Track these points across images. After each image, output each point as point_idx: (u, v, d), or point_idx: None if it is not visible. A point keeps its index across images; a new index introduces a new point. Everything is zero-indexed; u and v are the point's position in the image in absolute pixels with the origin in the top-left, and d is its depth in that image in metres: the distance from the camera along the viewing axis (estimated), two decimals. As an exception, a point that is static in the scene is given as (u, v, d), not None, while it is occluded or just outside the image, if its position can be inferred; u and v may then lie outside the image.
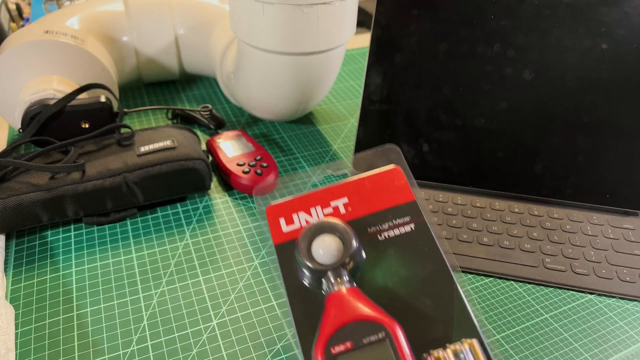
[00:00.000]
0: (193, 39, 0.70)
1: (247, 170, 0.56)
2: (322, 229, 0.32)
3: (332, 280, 0.30)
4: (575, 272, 0.48)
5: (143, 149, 0.53)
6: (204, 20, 0.69)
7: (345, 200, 0.34)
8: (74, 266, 0.47)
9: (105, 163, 0.51)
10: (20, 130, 0.54)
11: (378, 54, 0.55)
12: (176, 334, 0.42)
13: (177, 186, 0.53)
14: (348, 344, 0.27)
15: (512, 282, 0.48)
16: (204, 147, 0.63)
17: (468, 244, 0.50)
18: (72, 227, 0.51)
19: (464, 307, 0.29)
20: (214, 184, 0.58)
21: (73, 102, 0.54)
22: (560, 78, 0.52)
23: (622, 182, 0.54)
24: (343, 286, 0.30)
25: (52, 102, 0.53)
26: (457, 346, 0.28)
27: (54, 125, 0.54)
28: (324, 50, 0.58)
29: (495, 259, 0.49)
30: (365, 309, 0.29)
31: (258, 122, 0.70)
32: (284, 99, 0.63)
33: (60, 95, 0.54)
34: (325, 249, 0.31)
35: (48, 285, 0.45)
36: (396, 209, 0.33)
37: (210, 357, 0.40)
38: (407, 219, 0.33)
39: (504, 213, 0.54)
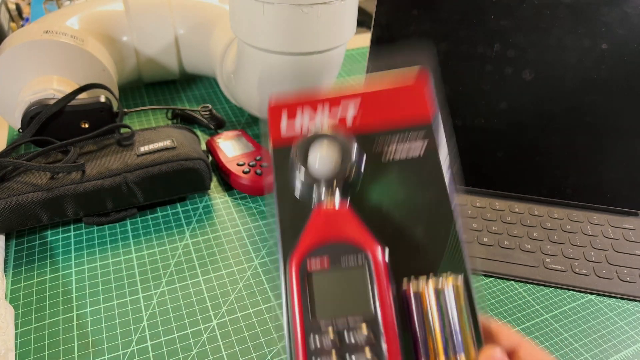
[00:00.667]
0: (193, 39, 0.70)
1: (247, 170, 0.56)
2: (322, 136, 0.29)
3: (323, 192, 0.28)
4: (575, 272, 0.48)
5: (143, 149, 0.53)
6: (204, 20, 0.69)
7: (354, 111, 0.30)
8: (73, 266, 0.47)
9: (105, 163, 0.51)
10: (20, 130, 0.54)
11: (378, 54, 0.55)
12: (176, 334, 0.42)
13: (177, 186, 0.53)
14: (325, 263, 0.26)
15: (512, 282, 0.48)
16: (203, 147, 0.63)
17: (468, 244, 0.50)
18: (71, 227, 0.51)
19: (457, 244, 0.28)
20: (214, 184, 0.58)
21: (73, 102, 0.54)
22: (560, 78, 0.52)
23: (622, 182, 0.54)
24: (333, 201, 0.28)
25: (52, 102, 0.53)
26: (440, 284, 0.26)
27: (53, 125, 0.54)
28: (324, 50, 0.58)
29: (496, 259, 0.49)
30: (350, 230, 0.27)
31: (258, 122, 0.70)
32: (284, 99, 0.63)
33: (60, 95, 0.54)
34: (322, 157, 0.29)
35: (48, 285, 0.45)
36: (409, 130, 0.30)
37: (210, 358, 0.40)
38: (418, 143, 0.29)
39: (504, 213, 0.54)
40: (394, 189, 0.29)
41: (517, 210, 0.54)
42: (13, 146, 0.51)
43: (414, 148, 0.30)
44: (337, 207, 0.28)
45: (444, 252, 0.27)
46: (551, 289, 0.48)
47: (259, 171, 0.56)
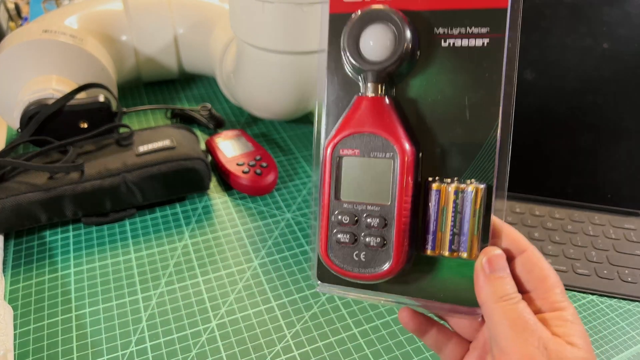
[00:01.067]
0: (192, 38, 0.70)
1: (247, 170, 0.56)
2: (376, 19, 0.28)
3: (370, 82, 0.28)
4: (576, 273, 0.48)
5: (142, 148, 0.53)
6: (204, 20, 0.69)
7: None
8: (72, 267, 0.47)
9: (104, 163, 0.51)
10: (19, 130, 0.54)
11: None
12: (175, 335, 0.41)
13: (176, 186, 0.53)
14: (356, 151, 0.28)
15: (513, 282, 0.48)
16: (203, 146, 0.62)
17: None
18: (70, 227, 0.51)
19: (492, 153, 0.27)
20: (213, 184, 0.58)
21: (72, 102, 0.54)
22: (561, 78, 0.52)
23: (624, 182, 0.53)
24: (378, 93, 0.28)
25: (50, 101, 0.53)
26: (462, 185, 0.27)
27: (52, 125, 0.54)
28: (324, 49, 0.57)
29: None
30: (385, 124, 0.28)
31: (258, 121, 0.70)
32: (283, 98, 0.63)
33: (59, 95, 0.54)
34: (372, 47, 0.27)
35: (47, 285, 0.45)
36: (478, 13, 0.27)
37: (210, 358, 0.40)
38: (485, 30, 0.27)
39: (505, 213, 0.54)
40: (445, 82, 0.28)
41: (517, 210, 0.54)
42: (12, 146, 0.51)
43: (480, 36, 0.27)
44: (379, 99, 0.28)
45: (475, 157, 0.28)
46: (552, 289, 0.47)
47: (258, 171, 0.56)
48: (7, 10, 0.81)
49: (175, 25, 0.69)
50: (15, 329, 0.41)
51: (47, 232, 0.51)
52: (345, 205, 0.29)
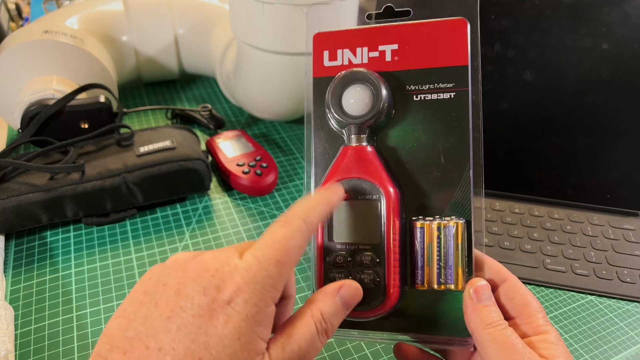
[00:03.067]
0: (193, 38, 0.70)
1: (247, 170, 0.56)
2: (356, 80, 0.31)
3: (353, 134, 0.31)
4: (575, 273, 0.48)
5: (142, 149, 0.53)
6: (204, 20, 0.69)
7: (395, 46, 0.32)
8: (73, 267, 0.47)
9: (105, 163, 0.51)
10: (20, 131, 0.54)
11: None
12: (176, 335, 0.42)
13: (177, 187, 0.53)
14: (346, 195, 0.30)
15: (512, 282, 0.48)
16: (203, 147, 0.62)
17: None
18: (71, 227, 0.51)
19: (467, 189, 0.30)
20: (214, 184, 0.58)
21: (72, 102, 0.54)
22: (560, 78, 0.52)
23: (623, 182, 0.53)
24: (361, 143, 0.31)
25: (51, 102, 0.53)
26: (443, 221, 0.30)
27: (53, 126, 0.54)
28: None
29: (496, 260, 0.49)
30: (370, 170, 0.30)
31: (258, 122, 0.70)
32: (283, 98, 0.63)
33: (59, 95, 0.54)
34: (353, 104, 0.31)
35: (47, 286, 0.45)
36: (444, 71, 0.31)
37: (210, 358, 0.40)
38: (450, 84, 0.31)
39: (504, 214, 0.54)
40: (419, 131, 0.31)
41: (517, 210, 0.54)
42: (12, 146, 0.51)
43: (446, 90, 0.31)
44: (362, 148, 0.31)
45: (453, 195, 0.30)
46: (551, 289, 0.47)
47: (258, 171, 0.56)
48: (8, 10, 0.81)
49: (176, 26, 0.69)
50: (16, 329, 0.41)
51: (48, 233, 0.51)
52: (338, 247, 0.31)
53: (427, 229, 0.30)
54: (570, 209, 0.55)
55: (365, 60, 0.32)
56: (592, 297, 0.47)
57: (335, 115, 0.31)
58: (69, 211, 0.49)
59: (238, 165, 0.57)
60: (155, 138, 0.55)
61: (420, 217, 0.31)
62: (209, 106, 0.68)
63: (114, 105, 0.61)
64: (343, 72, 0.32)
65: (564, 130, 0.53)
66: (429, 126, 0.31)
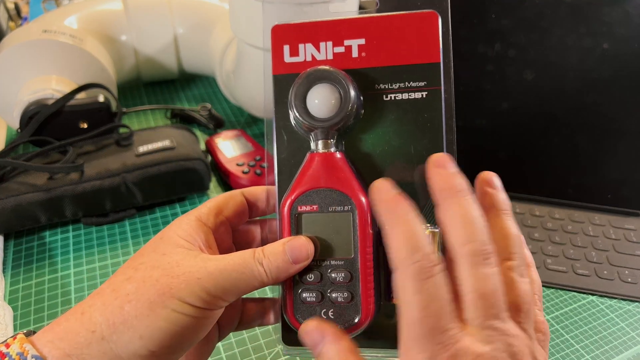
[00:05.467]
0: (192, 38, 0.70)
1: (247, 170, 0.56)
2: (322, 77, 0.29)
3: (320, 139, 0.29)
4: (576, 273, 0.48)
5: (142, 149, 0.53)
6: (204, 20, 0.69)
7: (362, 41, 0.29)
8: (72, 267, 0.47)
9: (104, 163, 0.51)
10: (19, 130, 0.54)
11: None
12: (175, 336, 0.41)
13: (176, 186, 0.53)
14: (315, 207, 0.28)
15: (513, 283, 0.48)
16: (203, 147, 0.62)
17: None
18: (70, 227, 0.51)
19: None
20: (213, 184, 0.58)
21: (72, 102, 0.54)
22: (561, 78, 0.52)
23: (624, 182, 0.53)
24: (329, 149, 0.29)
25: (50, 101, 0.53)
26: None
27: (52, 125, 0.54)
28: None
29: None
30: (340, 178, 0.28)
31: (258, 121, 0.70)
32: (283, 98, 0.62)
33: (58, 95, 0.54)
34: (319, 106, 0.28)
35: (46, 286, 0.45)
36: (414, 68, 0.29)
37: (210, 359, 0.40)
38: (422, 83, 0.29)
39: (505, 213, 0.54)
40: (390, 133, 0.29)
41: (517, 211, 0.54)
42: (12, 146, 0.51)
43: (418, 89, 0.29)
44: (331, 154, 0.28)
45: (426, 203, 0.28)
46: (552, 289, 0.47)
47: (258, 171, 0.56)
48: (7, 10, 0.81)
49: (175, 25, 0.69)
50: (15, 329, 0.41)
51: (47, 233, 0.50)
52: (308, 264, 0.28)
53: None
54: (571, 209, 0.55)
55: (330, 57, 0.29)
56: (593, 297, 0.47)
57: (300, 118, 0.29)
58: (68, 211, 0.49)
59: (238, 165, 0.57)
60: (154, 138, 0.55)
61: None
62: (209, 106, 0.68)
63: (113, 105, 0.60)
64: (307, 70, 0.29)
65: (564, 130, 0.53)
66: (400, 128, 0.29)
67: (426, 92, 0.29)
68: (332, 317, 0.28)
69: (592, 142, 0.53)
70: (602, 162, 0.53)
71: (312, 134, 0.29)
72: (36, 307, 0.43)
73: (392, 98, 0.29)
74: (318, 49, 0.30)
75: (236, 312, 0.31)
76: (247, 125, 0.69)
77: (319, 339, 0.25)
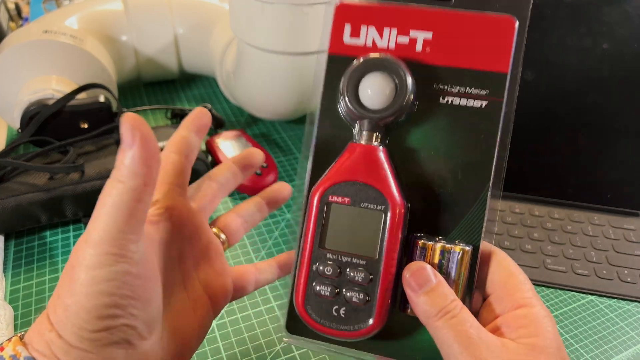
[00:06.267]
0: (193, 38, 0.70)
1: (247, 170, 0.56)
2: (380, 66, 0.27)
3: (366, 130, 0.27)
4: (575, 273, 0.48)
5: (142, 149, 0.53)
6: (204, 20, 0.69)
7: (429, 35, 0.27)
8: (73, 267, 0.47)
9: (105, 163, 0.51)
10: (19, 130, 0.54)
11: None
12: (175, 335, 0.42)
13: (177, 186, 0.53)
14: (347, 200, 0.27)
15: (513, 282, 0.48)
16: (203, 147, 0.62)
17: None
18: (71, 227, 0.51)
19: (481, 215, 0.27)
20: (214, 184, 0.58)
21: (72, 102, 0.54)
22: (561, 78, 0.52)
23: (623, 182, 0.53)
24: (372, 142, 0.27)
25: (51, 102, 0.53)
26: (449, 245, 0.26)
27: (53, 125, 0.54)
28: (325, 50, 0.57)
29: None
30: (379, 175, 0.27)
31: (258, 122, 0.70)
32: (284, 98, 0.63)
33: (59, 95, 0.54)
34: (373, 92, 0.27)
35: (47, 285, 0.45)
36: (479, 74, 0.27)
37: (210, 358, 0.40)
38: (484, 92, 0.27)
39: (505, 214, 0.54)
40: (440, 138, 0.27)
41: (517, 210, 0.54)
42: (12, 146, 0.51)
43: (478, 97, 0.27)
44: (374, 148, 0.27)
45: (463, 217, 0.27)
46: (551, 289, 0.47)
47: (258, 171, 0.56)
48: (8, 10, 0.81)
49: (175, 26, 0.69)
50: (15, 329, 0.41)
51: (48, 233, 0.51)
52: (329, 255, 0.27)
53: (429, 250, 0.26)
54: (571, 209, 0.55)
55: (392, 46, 0.27)
56: (593, 297, 0.47)
57: (350, 105, 0.27)
58: (68, 211, 0.49)
59: (238, 165, 0.57)
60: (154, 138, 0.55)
61: (422, 235, 0.27)
62: (209, 106, 0.68)
63: (114, 105, 0.60)
64: (366, 55, 0.27)
65: (564, 130, 0.53)
66: (451, 135, 0.27)
67: (486, 102, 0.27)
68: (343, 315, 0.27)
69: (592, 141, 0.53)
70: (602, 162, 0.53)
71: (358, 123, 0.27)
72: (37, 306, 0.43)
73: (449, 102, 0.27)
74: (381, 34, 0.28)
75: (226, 281, 0.31)
76: (247, 125, 0.69)
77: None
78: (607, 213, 0.55)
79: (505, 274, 0.26)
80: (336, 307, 0.27)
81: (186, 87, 0.77)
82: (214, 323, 0.43)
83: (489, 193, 0.27)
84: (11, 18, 0.83)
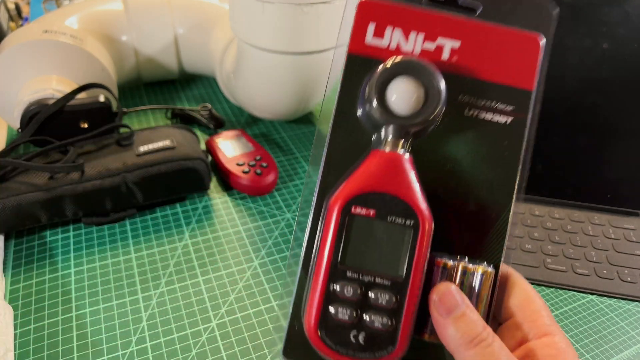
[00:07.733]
0: (193, 38, 0.70)
1: (247, 170, 0.56)
2: (412, 69, 0.25)
3: (392, 137, 0.25)
4: (576, 273, 0.48)
5: (142, 148, 0.53)
6: (204, 20, 0.69)
7: (456, 44, 0.26)
8: (72, 266, 0.47)
9: (105, 163, 0.51)
10: (19, 130, 0.54)
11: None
12: (175, 335, 0.42)
13: (177, 186, 0.53)
14: (372, 212, 0.24)
15: (513, 282, 0.48)
16: (203, 146, 0.62)
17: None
18: (71, 227, 0.51)
19: (503, 233, 0.26)
20: (214, 184, 0.58)
21: (72, 102, 0.54)
22: (561, 78, 0.52)
23: (623, 182, 0.53)
24: (397, 149, 0.25)
25: (51, 101, 0.53)
26: (470, 265, 0.25)
27: (53, 125, 0.54)
28: (324, 50, 0.57)
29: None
30: (408, 187, 0.24)
31: (258, 121, 0.70)
32: (284, 98, 0.63)
33: (59, 95, 0.54)
34: (402, 97, 0.25)
35: (47, 285, 0.45)
36: (504, 89, 0.26)
37: (210, 358, 0.40)
38: (509, 108, 0.26)
39: (505, 213, 0.54)
40: (463, 152, 0.26)
41: (517, 210, 0.54)
42: (12, 146, 0.51)
43: (503, 112, 0.26)
44: (399, 156, 0.25)
45: (486, 236, 0.26)
46: (552, 289, 0.47)
47: (258, 171, 0.56)
48: (8, 10, 0.81)
49: (175, 26, 0.69)
50: (15, 328, 0.41)
51: (48, 232, 0.51)
52: (349, 273, 0.24)
53: (450, 270, 0.25)
54: (571, 209, 0.55)
55: (418, 51, 0.26)
56: (593, 297, 0.47)
57: (376, 109, 0.25)
58: (68, 211, 0.49)
59: (238, 164, 0.57)
60: (155, 137, 0.55)
61: (443, 254, 0.26)
62: (209, 106, 0.68)
63: (114, 104, 0.61)
64: (396, 57, 0.25)
65: (564, 130, 0.53)
66: (474, 149, 0.26)
67: (512, 118, 0.26)
68: (362, 342, 0.24)
69: (592, 141, 0.53)
70: (602, 162, 0.53)
71: (383, 129, 0.25)
72: (36, 306, 0.43)
73: (474, 115, 0.26)
74: (407, 37, 0.26)
75: None
76: (247, 125, 0.69)
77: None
78: (607, 213, 0.55)
79: (524, 298, 0.25)
80: (354, 332, 0.24)
81: (186, 87, 0.77)
82: (214, 322, 0.43)
83: (511, 213, 0.26)
84: (11, 18, 0.83)
